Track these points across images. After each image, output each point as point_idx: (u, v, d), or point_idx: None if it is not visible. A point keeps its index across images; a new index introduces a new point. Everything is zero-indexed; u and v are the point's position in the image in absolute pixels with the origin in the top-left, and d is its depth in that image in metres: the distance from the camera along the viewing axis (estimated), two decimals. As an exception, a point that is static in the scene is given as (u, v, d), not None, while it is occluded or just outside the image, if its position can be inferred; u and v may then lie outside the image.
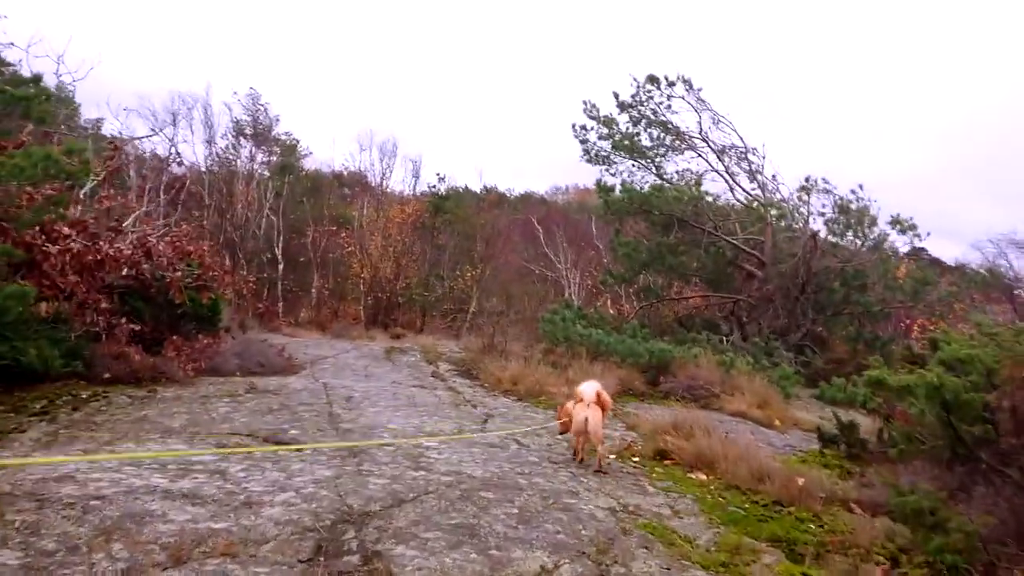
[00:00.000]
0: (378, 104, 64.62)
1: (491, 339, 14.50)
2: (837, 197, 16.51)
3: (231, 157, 27.36)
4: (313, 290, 24.19)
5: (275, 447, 6.87)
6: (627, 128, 18.43)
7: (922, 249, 18.65)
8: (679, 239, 16.29)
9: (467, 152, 64.29)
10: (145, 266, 11.94)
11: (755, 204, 17.32)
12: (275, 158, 28.34)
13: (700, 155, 18.15)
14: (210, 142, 26.24)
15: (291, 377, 11.91)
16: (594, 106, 18.58)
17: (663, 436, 8.17)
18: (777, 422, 10.67)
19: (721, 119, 17.60)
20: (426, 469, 6.30)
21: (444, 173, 26.28)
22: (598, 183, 15.97)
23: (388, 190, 27.64)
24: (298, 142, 29.42)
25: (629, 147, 18.12)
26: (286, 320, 21.90)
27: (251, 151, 27.73)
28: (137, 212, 15.78)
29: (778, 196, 17.61)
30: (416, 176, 27.10)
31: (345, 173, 30.03)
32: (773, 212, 16.47)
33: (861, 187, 16.49)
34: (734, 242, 16.79)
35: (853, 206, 16.37)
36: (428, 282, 24.99)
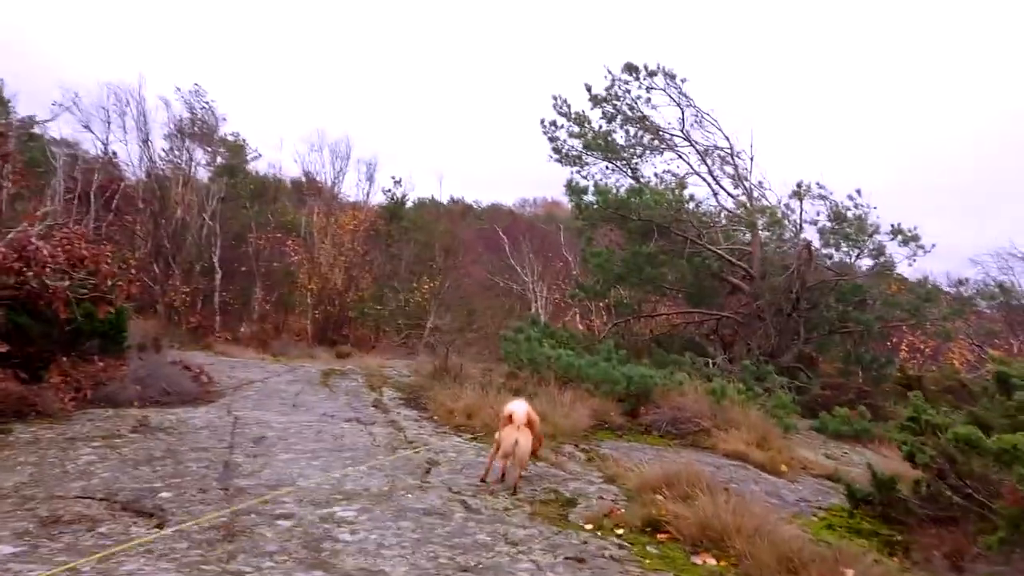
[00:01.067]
0: (331, 104, 60.94)
1: (444, 361, 12.52)
2: (832, 203, 14.87)
3: (171, 159, 25.11)
4: (255, 303, 22.01)
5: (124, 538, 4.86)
6: (600, 125, 16.69)
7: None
8: (660, 248, 14.46)
9: (428, 160, 61.44)
10: (30, 274, 9.90)
11: (742, 210, 15.60)
12: (220, 160, 26.14)
13: (681, 156, 16.46)
14: (145, 141, 23.98)
15: (200, 408, 9.89)
16: (565, 101, 16.82)
17: (654, 496, 6.28)
18: (783, 467, 8.84)
19: (705, 116, 15.93)
20: (326, 568, 4.35)
21: (400, 176, 24.16)
22: (569, 184, 14.11)
23: (340, 195, 25.54)
24: (245, 142, 27.28)
25: (603, 146, 16.35)
26: (222, 336, 19.70)
27: (191, 152, 25.51)
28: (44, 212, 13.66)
29: (766, 202, 15.92)
30: (371, 180, 25.00)
31: (291, 181, 27.83)
32: (762, 219, 14.73)
33: (859, 192, 14.88)
34: (719, 252, 15.04)
35: (850, 213, 14.73)
36: (382, 295, 22.94)
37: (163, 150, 24.85)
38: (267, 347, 19.31)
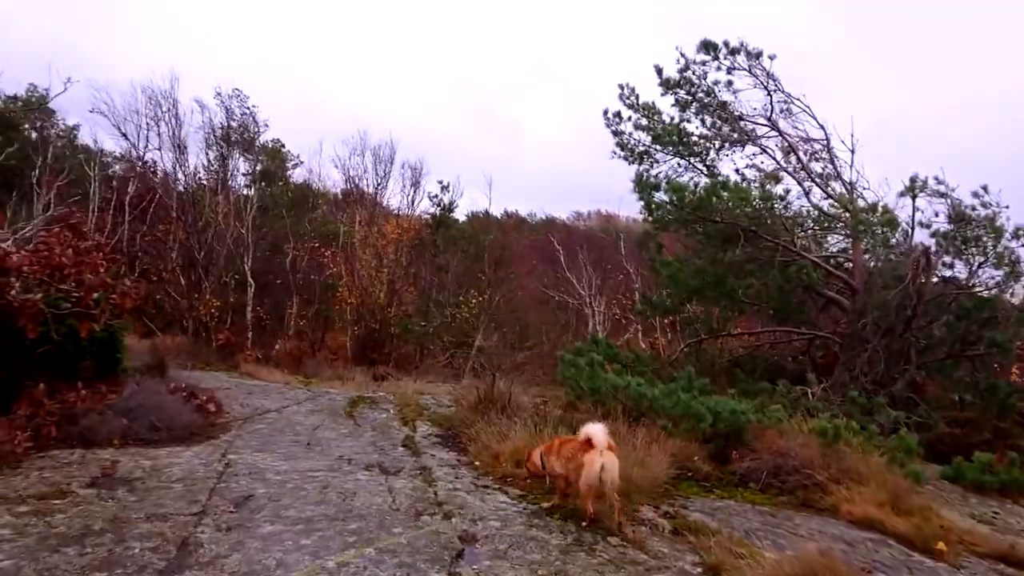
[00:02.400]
0: (372, 106, 57.51)
1: (491, 388, 10.51)
2: (954, 202, 12.42)
3: (208, 166, 23.79)
4: (290, 318, 20.36)
5: None
6: (672, 117, 14.56)
7: None
8: (746, 256, 12.21)
9: (475, 171, 58.72)
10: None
11: (841, 211, 13.24)
12: (259, 167, 24.74)
13: (765, 150, 14.17)
14: (179, 147, 22.70)
15: (190, 449, 8.10)
16: (632, 90, 14.75)
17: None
18: (940, 544, 6.55)
19: (795, 102, 13.64)
20: None
21: (448, 181, 22.28)
22: (639, 179, 11.90)
23: (383, 202, 23.80)
24: (286, 149, 25.86)
25: (675, 139, 14.21)
26: (252, 354, 18.06)
27: (230, 159, 24.16)
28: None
29: (863, 202, 13.51)
30: (415, 186, 23.19)
31: (331, 188, 26.19)
32: (868, 221, 12.35)
33: (985, 189, 12.40)
34: (816, 260, 12.72)
35: (976, 214, 12.28)
36: (427, 310, 21.08)
37: (201, 157, 23.60)
38: (300, 367, 17.62)
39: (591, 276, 24.62)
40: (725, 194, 11.51)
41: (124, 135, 23.61)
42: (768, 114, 13.78)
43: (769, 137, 14.11)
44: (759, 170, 14.06)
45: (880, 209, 12.20)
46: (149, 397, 9.18)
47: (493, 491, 7.04)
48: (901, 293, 11.81)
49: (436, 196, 22.41)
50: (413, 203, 23.21)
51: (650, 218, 12.41)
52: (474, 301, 20.68)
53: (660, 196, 11.79)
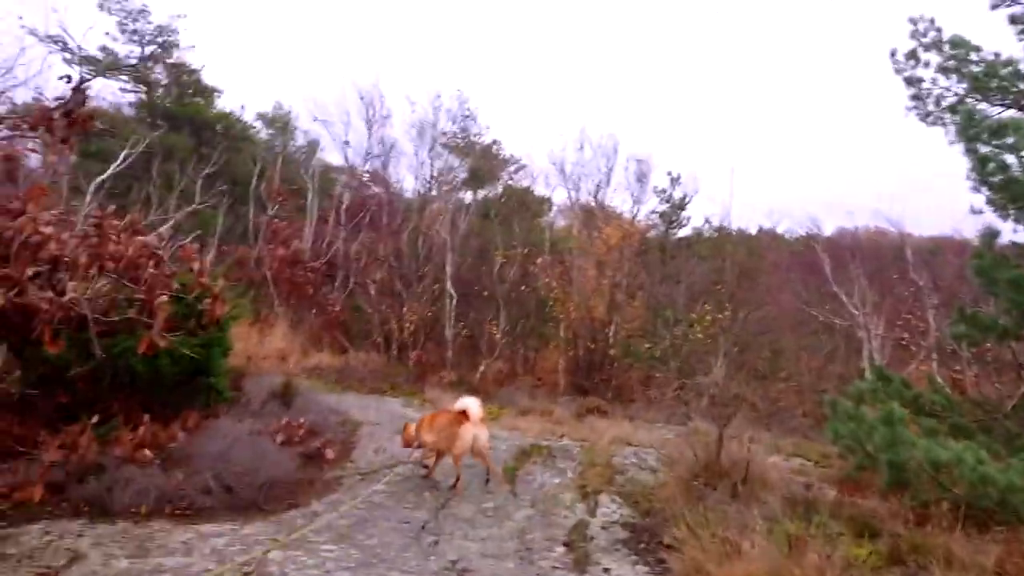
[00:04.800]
0: (587, 96, 50.71)
1: (718, 449, 6.81)
2: None
3: (424, 172, 22.20)
4: (496, 335, 17.71)
5: None
6: (998, 54, 9.87)
7: None
8: None
9: (711, 174, 51.08)
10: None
11: None
12: (475, 171, 22.79)
13: None
14: (390, 152, 21.37)
15: (244, 527, 5.40)
16: (931, 22, 10.27)
17: None
18: None
19: None
20: None
21: (678, 173, 18.37)
22: (967, 118, 7.55)
23: (605, 203, 20.42)
24: (501, 149, 23.62)
25: (1006, 83, 9.52)
26: (447, 377, 15.67)
27: (448, 165, 22.47)
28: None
29: None
30: (641, 183, 19.52)
31: (545, 186, 23.37)
32: None
33: None
34: None
35: None
36: (653, 329, 17.43)
37: (416, 162, 22.07)
38: (497, 393, 14.89)
39: (865, 291, 19.41)
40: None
41: (347, 142, 22.92)
42: None
43: None
44: None
45: None
46: (232, 440, 6.70)
47: None
48: None
49: (664, 191, 18.71)
50: (639, 203, 19.60)
51: (991, 191, 7.89)
52: (710, 318, 16.67)
53: (1007, 158, 7.32)
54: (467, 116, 22.59)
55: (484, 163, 22.44)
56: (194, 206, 16.32)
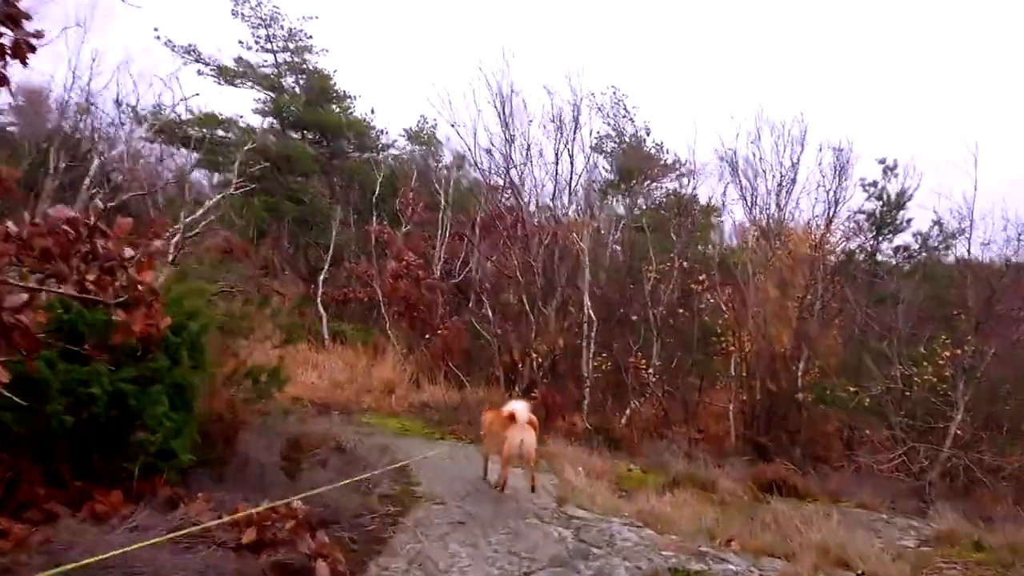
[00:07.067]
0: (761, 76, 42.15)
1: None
2: None
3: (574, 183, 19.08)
4: (647, 370, 14.01)
5: None
6: None
7: None
8: None
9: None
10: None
11: None
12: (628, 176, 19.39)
13: None
14: (527, 153, 18.38)
15: None
16: None
17: None
18: None
19: None
20: None
21: (894, 160, 13.80)
22: None
23: (789, 205, 16.02)
24: (660, 151, 19.97)
25: None
26: (578, 423, 12.24)
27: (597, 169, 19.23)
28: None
29: None
30: (841, 175, 14.82)
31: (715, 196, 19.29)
32: None
33: None
34: None
35: None
36: (858, 367, 12.99)
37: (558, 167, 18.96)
38: (641, 448, 11.28)
39: None
40: None
41: (488, 150, 20.26)
42: None
43: None
44: None
45: None
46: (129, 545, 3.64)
47: None
48: None
49: (874, 185, 14.16)
50: (836, 203, 14.97)
51: None
52: (946, 354, 12.00)
53: None
54: (624, 115, 19.41)
55: (637, 164, 18.92)
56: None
